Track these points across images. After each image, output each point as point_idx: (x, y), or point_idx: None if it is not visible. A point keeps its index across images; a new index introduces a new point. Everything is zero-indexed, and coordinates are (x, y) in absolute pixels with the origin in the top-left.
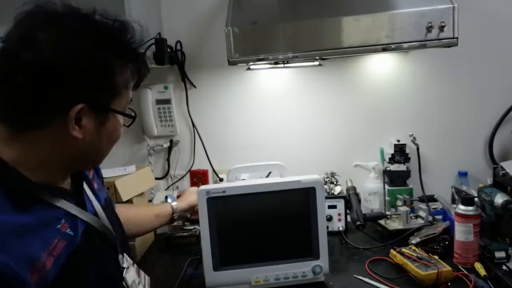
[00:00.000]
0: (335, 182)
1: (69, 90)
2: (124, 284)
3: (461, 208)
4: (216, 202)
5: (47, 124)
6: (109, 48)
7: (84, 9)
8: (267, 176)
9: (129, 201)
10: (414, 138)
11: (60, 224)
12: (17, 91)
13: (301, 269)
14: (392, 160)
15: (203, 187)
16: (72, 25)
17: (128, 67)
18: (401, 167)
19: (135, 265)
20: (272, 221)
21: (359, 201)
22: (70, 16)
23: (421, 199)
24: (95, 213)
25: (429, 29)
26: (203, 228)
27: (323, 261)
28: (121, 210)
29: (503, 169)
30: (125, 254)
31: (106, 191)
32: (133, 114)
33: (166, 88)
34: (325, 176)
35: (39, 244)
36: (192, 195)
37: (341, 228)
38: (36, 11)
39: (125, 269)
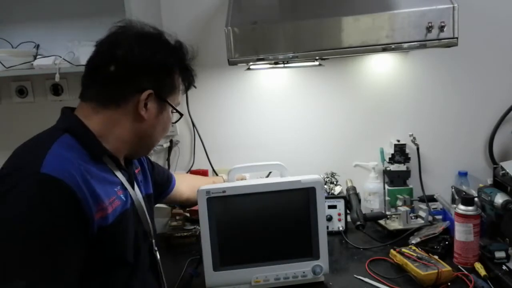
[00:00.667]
0: (335, 182)
1: (144, 79)
2: (158, 263)
3: (461, 208)
4: (216, 202)
5: (124, 102)
6: (173, 57)
7: (156, 29)
8: (267, 176)
9: None
10: (414, 138)
11: (117, 188)
12: (108, 75)
13: (301, 269)
14: (392, 160)
15: (203, 187)
16: (151, 39)
17: (181, 75)
18: (401, 167)
19: None
20: (272, 221)
21: (359, 201)
22: (149, 33)
23: (421, 199)
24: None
25: (429, 29)
26: (203, 228)
27: (323, 261)
28: (185, 176)
29: (503, 169)
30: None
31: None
32: (181, 113)
33: None
34: (325, 176)
35: (103, 192)
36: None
37: (341, 228)
38: (127, 27)
39: (157, 251)
